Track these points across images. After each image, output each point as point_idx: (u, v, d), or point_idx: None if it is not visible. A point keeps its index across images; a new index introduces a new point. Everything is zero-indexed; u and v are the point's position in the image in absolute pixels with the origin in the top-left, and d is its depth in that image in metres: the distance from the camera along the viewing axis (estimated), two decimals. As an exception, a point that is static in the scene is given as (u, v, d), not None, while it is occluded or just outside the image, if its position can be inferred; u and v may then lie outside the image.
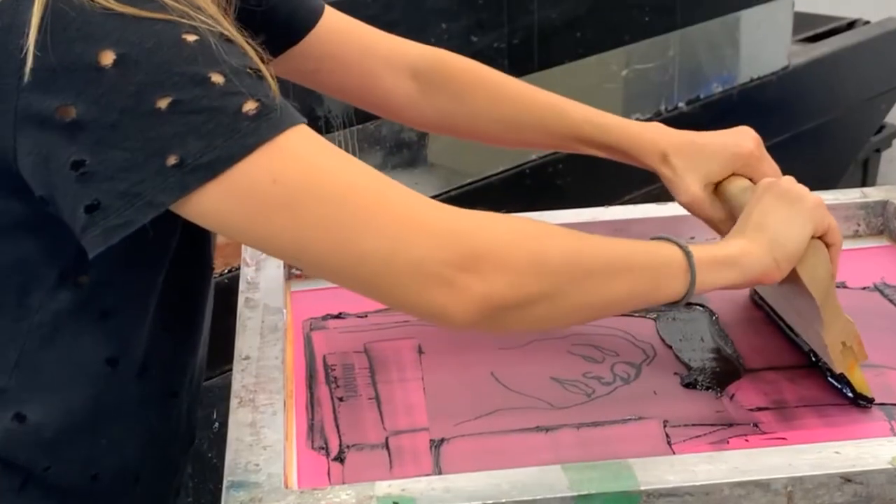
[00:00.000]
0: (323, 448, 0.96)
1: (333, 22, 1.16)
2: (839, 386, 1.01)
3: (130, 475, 0.98)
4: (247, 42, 0.85)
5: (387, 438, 0.97)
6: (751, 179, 1.11)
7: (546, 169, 2.26)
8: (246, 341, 1.06)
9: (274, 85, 0.83)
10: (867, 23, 3.11)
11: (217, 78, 0.80)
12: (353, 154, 1.97)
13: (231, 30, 0.84)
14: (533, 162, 2.23)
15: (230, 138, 0.79)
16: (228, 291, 1.19)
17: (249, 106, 0.80)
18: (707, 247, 0.96)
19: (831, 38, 3.00)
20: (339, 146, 1.98)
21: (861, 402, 0.99)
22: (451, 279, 0.81)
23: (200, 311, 1.03)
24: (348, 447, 0.96)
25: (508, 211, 1.39)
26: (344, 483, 0.91)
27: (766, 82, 2.72)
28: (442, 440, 0.97)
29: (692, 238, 1.23)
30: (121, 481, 0.98)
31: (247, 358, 1.03)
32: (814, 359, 1.05)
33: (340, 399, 1.03)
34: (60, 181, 0.81)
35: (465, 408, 1.01)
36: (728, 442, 0.95)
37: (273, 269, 1.20)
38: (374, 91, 1.18)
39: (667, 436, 0.96)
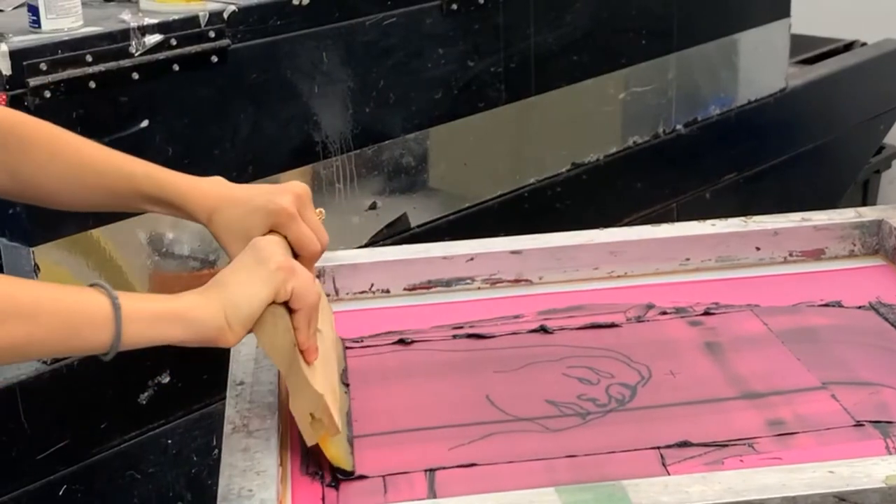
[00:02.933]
0: (317, 474, 0.96)
1: None
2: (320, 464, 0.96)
3: None
4: None
5: (381, 463, 0.97)
6: (289, 237, 1.05)
7: (545, 192, 2.27)
8: (240, 367, 1.06)
9: None
10: (864, 44, 3.12)
11: None
12: (353, 179, 1.98)
13: None
14: (531, 185, 2.23)
15: None
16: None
17: None
18: (150, 298, 0.93)
19: (829, 60, 3.00)
20: (338, 171, 1.99)
21: (339, 475, 0.95)
22: None
23: None
24: (342, 473, 0.96)
25: (507, 234, 1.40)
26: (338, 508, 0.90)
27: (763, 104, 2.73)
28: (436, 465, 0.96)
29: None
30: None
31: (241, 384, 1.03)
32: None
33: (335, 423, 1.03)
34: None
35: (459, 432, 1.01)
36: (723, 462, 0.95)
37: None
38: None
39: (661, 457, 0.96)
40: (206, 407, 1.78)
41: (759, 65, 2.71)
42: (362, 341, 1.18)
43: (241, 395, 1.01)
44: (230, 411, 0.98)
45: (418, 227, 2.05)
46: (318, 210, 1.09)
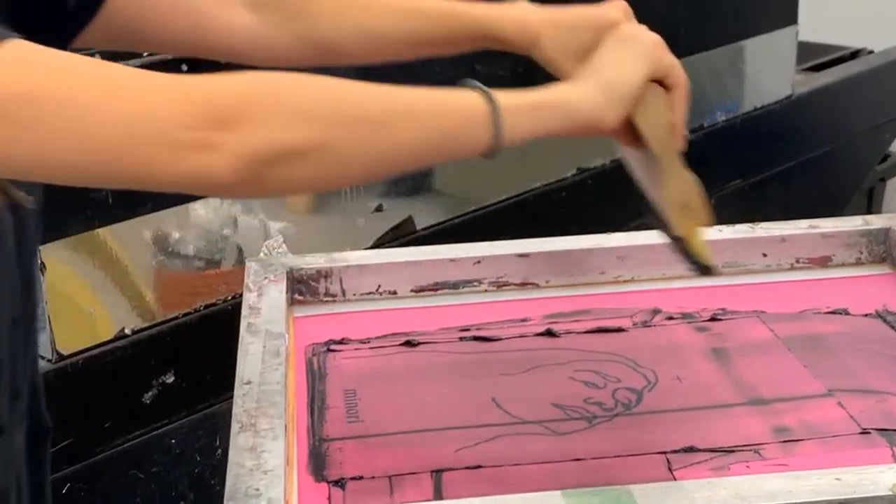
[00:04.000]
0: (324, 473, 0.96)
1: None
2: (681, 257, 0.91)
3: None
4: None
5: (388, 464, 0.97)
6: None
7: (550, 196, 2.27)
8: (247, 366, 1.06)
9: None
10: (871, 52, 3.13)
11: None
12: (357, 188, 1.98)
13: None
14: (537, 189, 2.24)
15: None
16: (232, 318, 1.19)
17: None
18: (521, 92, 0.87)
19: (835, 68, 3.01)
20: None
21: (702, 271, 0.89)
22: (205, 141, 0.76)
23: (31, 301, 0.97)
24: (349, 473, 0.96)
25: (512, 238, 1.40)
26: (344, 508, 0.90)
27: (769, 111, 2.73)
28: (443, 466, 0.96)
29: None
30: None
31: (248, 383, 1.03)
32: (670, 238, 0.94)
33: (342, 424, 1.03)
34: None
35: (466, 434, 1.01)
36: (729, 468, 0.95)
37: (275, 294, 1.20)
38: (210, 34, 1.06)
39: (668, 461, 0.96)
40: (209, 407, 1.79)
41: (766, 71, 2.71)
42: (369, 342, 1.18)
43: (248, 395, 1.01)
44: (237, 410, 0.98)
45: (423, 229, 2.05)
46: None
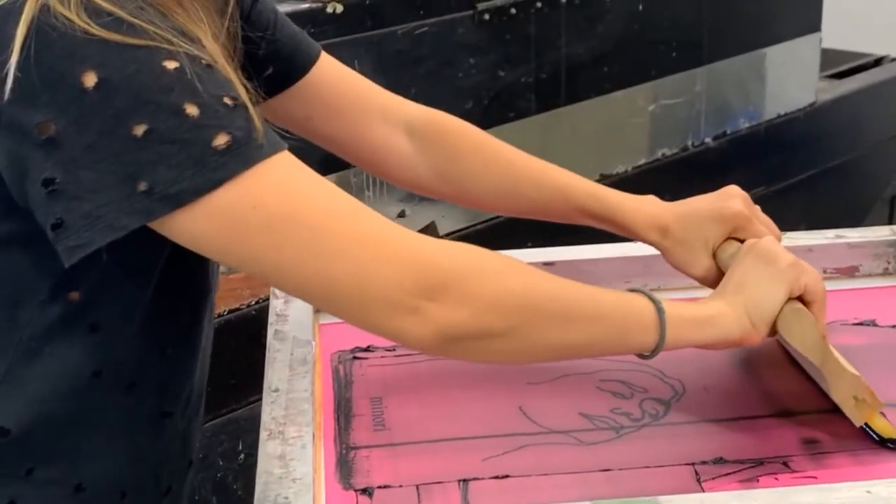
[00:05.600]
0: (351, 482, 0.96)
1: (329, 67, 1.15)
2: (867, 430, 1.00)
3: (115, 490, 0.98)
4: (235, 71, 0.87)
5: (415, 472, 0.97)
6: (744, 239, 1.10)
7: (572, 203, 2.26)
8: (275, 373, 1.07)
9: (253, 112, 0.84)
10: (895, 59, 3.11)
11: (191, 109, 0.81)
12: (382, 186, 1.98)
13: (215, 55, 0.85)
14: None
15: (198, 172, 0.81)
16: (256, 322, 1.19)
17: (220, 140, 0.81)
18: (682, 304, 0.98)
19: (859, 75, 3.00)
20: (368, 179, 1.99)
21: (890, 445, 0.98)
22: (416, 307, 0.85)
23: (197, 332, 1.03)
24: (377, 481, 0.96)
25: (532, 246, 1.40)
26: (372, 517, 0.91)
27: (792, 118, 2.72)
28: (470, 475, 0.96)
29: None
30: (105, 495, 0.97)
31: (276, 390, 1.04)
32: None
33: (369, 432, 1.03)
34: (34, 196, 0.83)
35: (493, 443, 1.01)
36: (758, 480, 0.94)
37: (302, 301, 1.20)
38: (367, 143, 1.16)
39: (696, 473, 0.96)
40: (232, 412, 1.79)
41: (789, 79, 2.71)
42: (395, 350, 1.18)
43: (276, 402, 1.01)
44: (266, 418, 0.99)
45: (446, 235, 2.06)
46: None
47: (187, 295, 1.00)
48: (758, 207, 1.15)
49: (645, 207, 1.14)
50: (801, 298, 1.01)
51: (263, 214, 0.83)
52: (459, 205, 1.24)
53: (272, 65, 1.09)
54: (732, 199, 1.12)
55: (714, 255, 1.12)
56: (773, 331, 1.01)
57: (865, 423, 0.99)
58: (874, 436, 0.99)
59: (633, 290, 0.97)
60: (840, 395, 0.99)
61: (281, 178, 0.84)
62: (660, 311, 0.95)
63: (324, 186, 0.86)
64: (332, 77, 1.15)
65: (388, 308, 0.85)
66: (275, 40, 1.09)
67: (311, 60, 1.13)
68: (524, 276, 0.91)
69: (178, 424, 1.03)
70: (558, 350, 0.94)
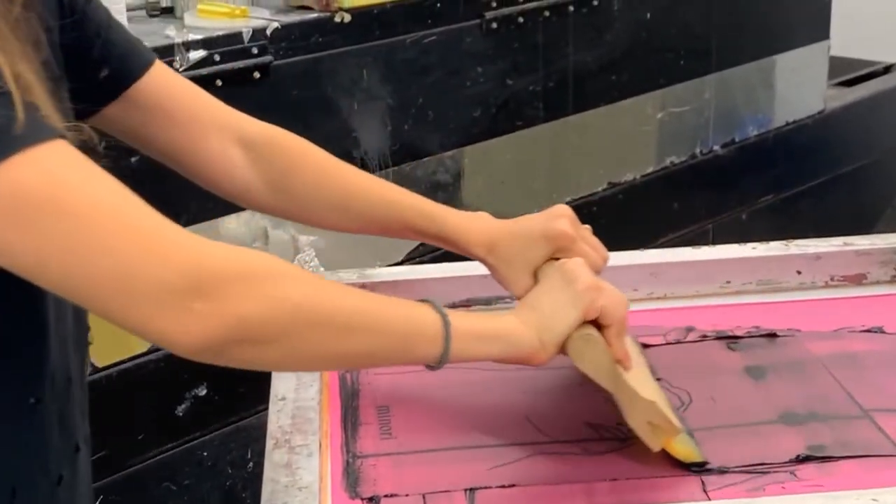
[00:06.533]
0: (357, 490, 0.96)
1: (164, 76, 1.12)
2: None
3: (5, 487, 0.95)
4: (30, 63, 0.84)
5: (421, 481, 0.97)
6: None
7: (579, 212, 2.25)
8: (282, 382, 1.07)
9: (17, 100, 0.81)
10: (904, 67, 3.11)
11: None
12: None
13: None
14: (567, 204, 2.24)
15: None
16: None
17: None
18: (473, 317, 0.98)
19: (868, 83, 3.00)
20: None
21: (694, 469, 0.97)
22: (183, 307, 0.81)
23: (38, 309, 0.97)
24: (383, 490, 0.96)
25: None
26: (378, 526, 0.91)
27: (801, 126, 2.72)
28: (477, 485, 0.97)
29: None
30: None
31: (283, 399, 1.04)
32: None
33: (375, 440, 1.03)
34: None
35: (499, 452, 1.01)
36: (764, 489, 0.94)
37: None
38: (201, 153, 1.13)
39: (702, 483, 0.95)
40: (241, 420, 1.80)
41: (798, 86, 2.71)
42: (402, 359, 1.18)
43: (282, 411, 1.01)
44: (272, 427, 0.99)
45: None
46: None
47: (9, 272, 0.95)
48: (586, 228, 1.14)
49: (473, 224, 1.13)
50: (598, 321, 1.00)
51: (23, 202, 0.78)
52: (292, 220, 1.21)
53: (106, 66, 1.06)
54: (558, 219, 1.11)
55: (535, 275, 1.10)
56: (565, 351, 1.00)
57: (664, 453, 0.97)
58: (681, 464, 0.97)
59: (423, 301, 0.95)
60: (634, 422, 0.97)
61: (46, 166, 0.80)
62: (446, 324, 0.94)
63: (97, 178, 0.82)
64: (167, 85, 1.12)
65: (152, 307, 0.80)
66: (108, 40, 1.06)
67: (146, 65, 1.10)
68: (304, 286, 0.88)
69: (51, 409, 0.98)
70: (334, 360, 0.93)
